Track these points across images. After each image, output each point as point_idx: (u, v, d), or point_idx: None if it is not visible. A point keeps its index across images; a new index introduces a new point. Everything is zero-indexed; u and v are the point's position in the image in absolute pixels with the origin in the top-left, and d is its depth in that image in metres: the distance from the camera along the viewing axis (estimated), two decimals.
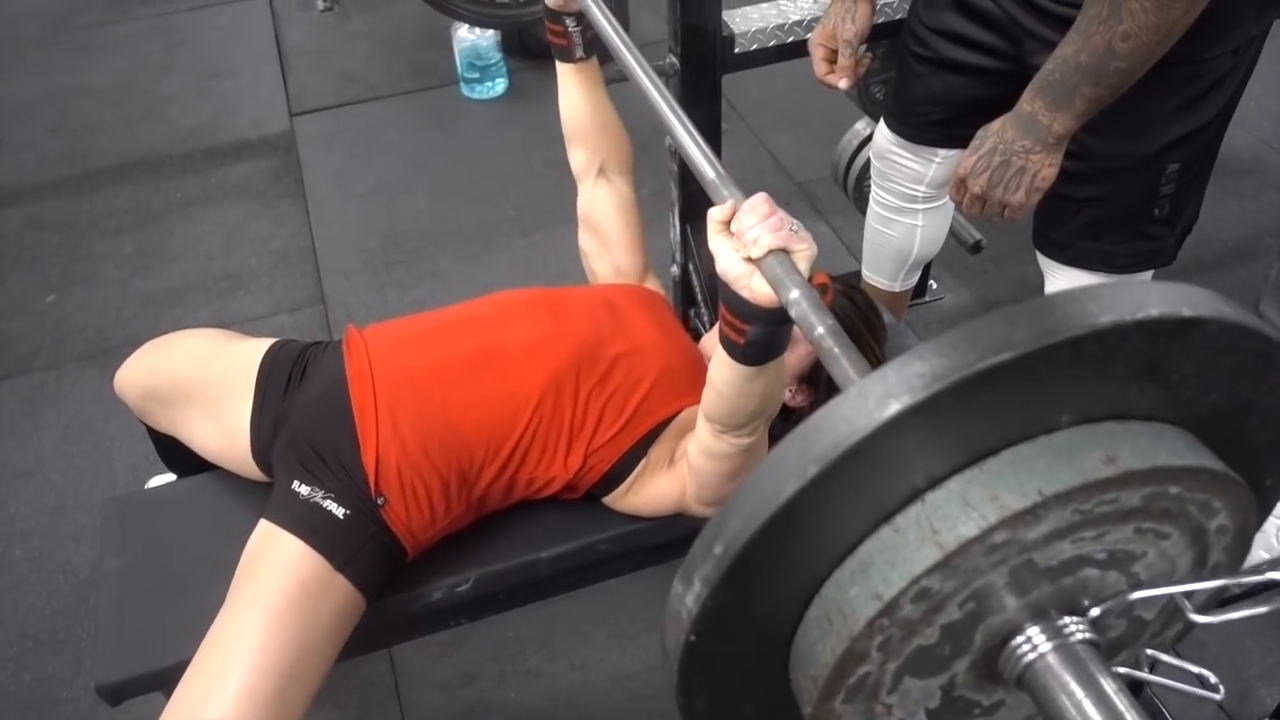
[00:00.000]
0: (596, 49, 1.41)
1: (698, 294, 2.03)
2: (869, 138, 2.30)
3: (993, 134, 1.25)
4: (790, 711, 0.63)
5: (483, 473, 1.31)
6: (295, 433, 1.31)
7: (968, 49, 1.46)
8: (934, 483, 0.53)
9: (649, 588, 1.87)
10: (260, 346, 1.43)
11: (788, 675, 0.63)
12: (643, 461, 1.33)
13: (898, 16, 1.83)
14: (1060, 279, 1.42)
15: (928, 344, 0.49)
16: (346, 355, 1.36)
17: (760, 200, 0.91)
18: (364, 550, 1.24)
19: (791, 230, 0.90)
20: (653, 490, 1.34)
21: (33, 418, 2.26)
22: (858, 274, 2.02)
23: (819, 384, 1.41)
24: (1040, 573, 0.57)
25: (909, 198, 1.81)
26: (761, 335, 0.95)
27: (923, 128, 1.64)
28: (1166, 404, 0.55)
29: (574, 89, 1.47)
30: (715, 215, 0.94)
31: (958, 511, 0.52)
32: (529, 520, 1.41)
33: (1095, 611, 0.60)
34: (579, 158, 1.54)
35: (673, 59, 1.80)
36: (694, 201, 1.97)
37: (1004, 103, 1.47)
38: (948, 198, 1.84)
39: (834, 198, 2.65)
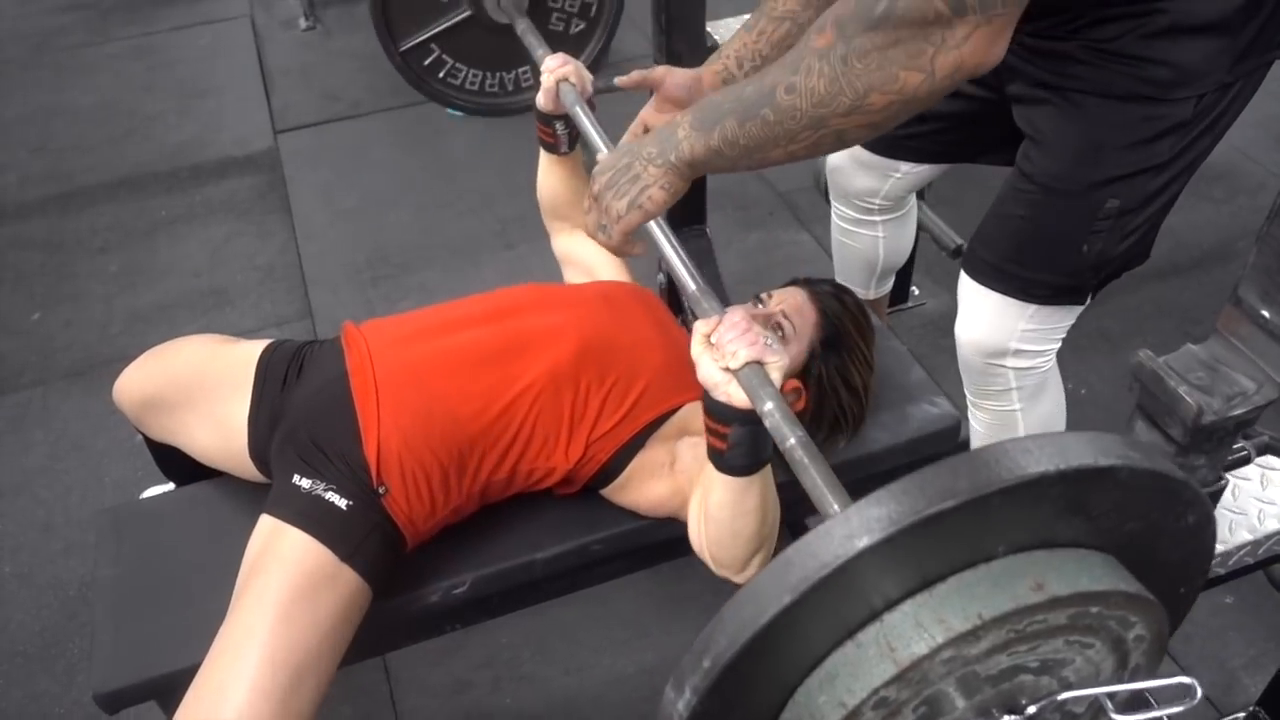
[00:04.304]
0: (579, 143, 1.56)
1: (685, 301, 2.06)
2: None
3: (641, 136, 1.16)
4: None
5: (483, 462, 1.32)
6: (294, 427, 1.32)
7: None
8: (890, 604, 0.61)
9: (641, 592, 1.89)
10: (257, 346, 1.44)
11: None
12: (640, 454, 1.34)
13: None
14: (977, 301, 1.39)
15: (886, 490, 0.58)
16: (346, 349, 1.38)
17: (739, 317, 1.02)
18: (368, 540, 1.24)
19: (766, 344, 1.00)
20: (652, 491, 1.36)
21: (20, 435, 2.26)
22: None
23: (810, 384, 1.43)
24: (983, 680, 0.64)
25: (865, 210, 1.83)
26: (743, 436, 1.05)
27: (893, 143, 1.65)
28: (1089, 532, 0.63)
29: (556, 175, 1.62)
30: (700, 329, 1.04)
31: (911, 632, 0.60)
32: (524, 523, 1.42)
33: (1031, 710, 0.67)
34: (554, 223, 1.69)
35: None
36: (679, 211, 1.99)
37: (975, 119, 1.46)
38: (909, 208, 1.87)
39: (815, 206, 2.68)
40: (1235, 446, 0.92)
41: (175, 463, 1.52)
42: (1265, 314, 0.81)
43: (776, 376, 0.99)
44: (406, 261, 2.72)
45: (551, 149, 1.59)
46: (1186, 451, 0.85)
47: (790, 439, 0.90)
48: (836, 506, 0.84)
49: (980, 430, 1.48)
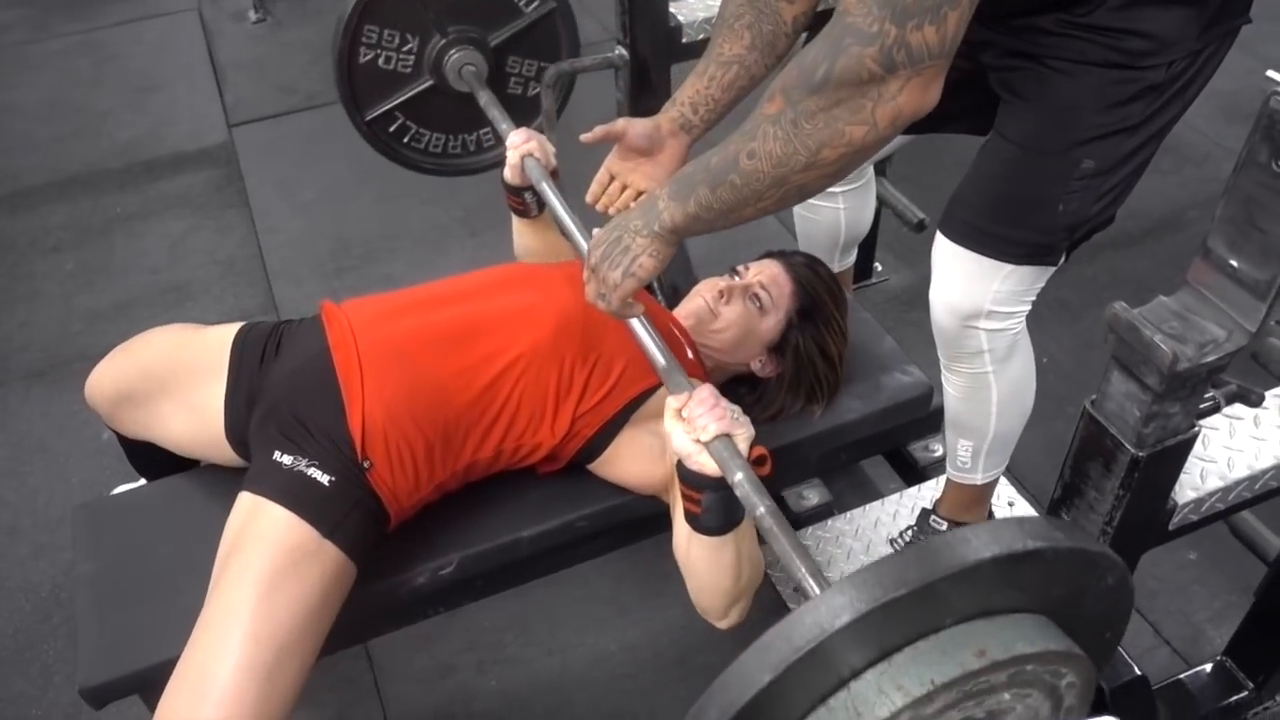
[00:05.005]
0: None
1: (654, 284, 2.07)
2: None
3: (628, 210, 1.25)
4: None
5: (468, 437, 1.32)
6: (275, 404, 1.32)
7: None
8: (856, 673, 0.71)
9: (620, 573, 1.90)
10: (230, 330, 1.43)
11: None
12: (626, 429, 1.36)
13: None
14: (952, 263, 1.39)
15: (849, 580, 0.68)
16: (327, 325, 1.37)
17: (708, 393, 1.11)
18: (351, 516, 1.24)
19: (733, 418, 1.09)
20: (640, 467, 1.37)
21: None
22: None
23: (787, 355, 1.45)
24: None
25: None
26: (715, 501, 1.13)
27: None
28: (1023, 599, 0.74)
29: (530, 234, 1.67)
30: (672, 404, 1.13)
31: (874, 697, 0.70)
32: (509, 502, 1.43)
33: None
34: None
35: (622, 51, 1.84)
36: None
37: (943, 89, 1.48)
38: (867, 179, 1.90)
39: None
40: (1205, 396, 0.96)
41: (148, 459, 1.50)
42: (1233, 263, 0.85)
43: (744, 447, 1.08)
44: (370, 252, 2.71)
45: (522, 214, 1.64)
46: (1162, 399, 0.88)
47: (760, 508, 1.00)
48: (804, 570, 0.94)
49: (954, 394, 1.52)
